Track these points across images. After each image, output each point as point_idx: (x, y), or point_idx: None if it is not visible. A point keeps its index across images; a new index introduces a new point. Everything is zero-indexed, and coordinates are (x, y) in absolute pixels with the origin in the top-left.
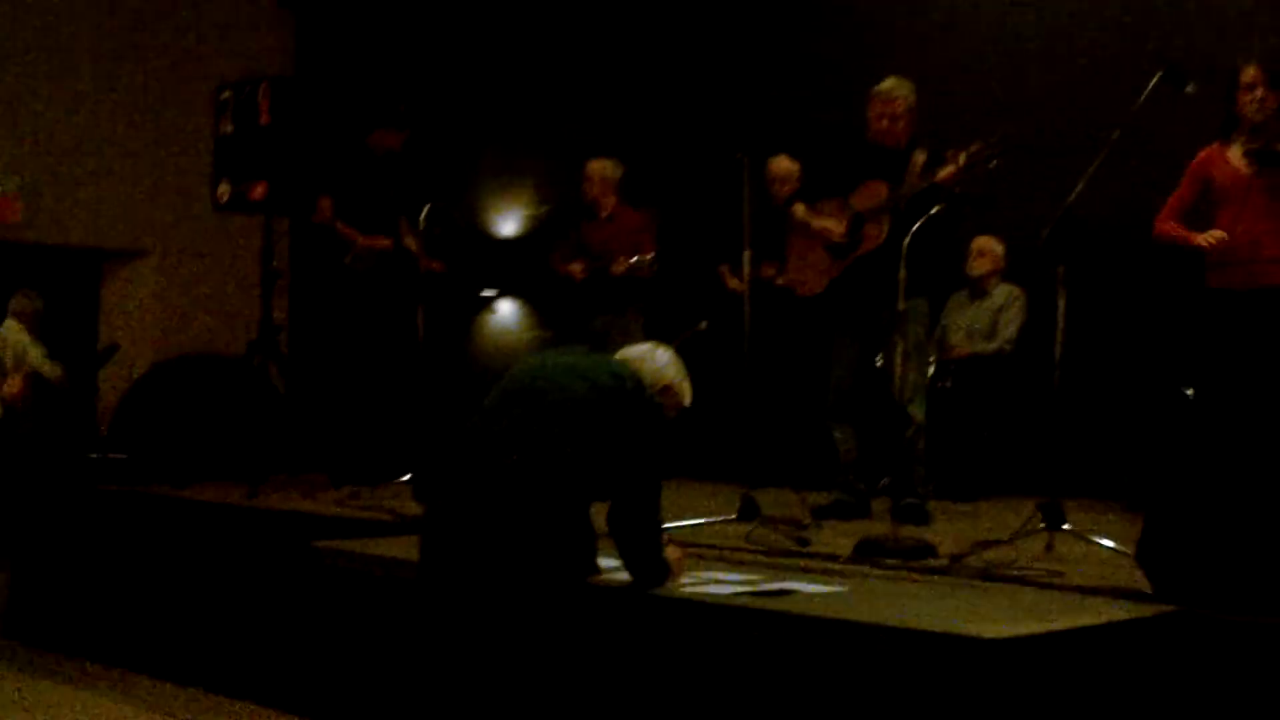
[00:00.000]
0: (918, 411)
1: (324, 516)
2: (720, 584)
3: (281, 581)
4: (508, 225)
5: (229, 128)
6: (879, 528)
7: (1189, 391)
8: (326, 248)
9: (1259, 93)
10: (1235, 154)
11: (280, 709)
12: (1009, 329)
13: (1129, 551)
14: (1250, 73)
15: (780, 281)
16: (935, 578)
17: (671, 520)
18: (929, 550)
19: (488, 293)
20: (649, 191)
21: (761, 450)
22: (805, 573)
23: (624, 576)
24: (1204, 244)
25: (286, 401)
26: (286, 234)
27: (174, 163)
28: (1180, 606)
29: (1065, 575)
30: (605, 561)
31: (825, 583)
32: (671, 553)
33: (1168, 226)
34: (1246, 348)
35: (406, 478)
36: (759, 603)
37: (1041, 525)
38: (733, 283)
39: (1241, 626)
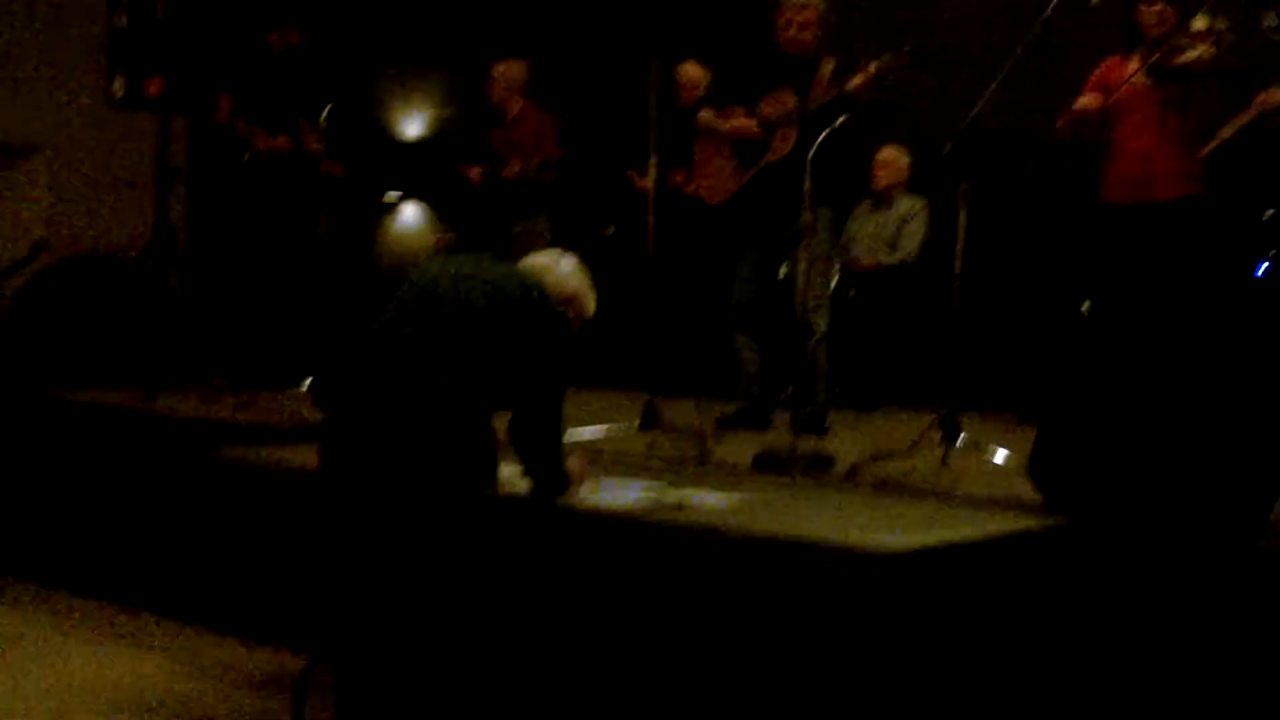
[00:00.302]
0: (820, 322)
1: (222, 422)
2: (621, 494)
3: (180, 488)
4: (411, 127)
5: (123, 20)
6: (779, 438)
7: (1085, 306)
8: (226, 147)
9: (1159, 5)
10: (1134, 67)
11: (179, 619)
12: (912, 241)
13: (1023, 464)
14: None
15: (688, 189)
16: (833, 489)
17: (574, 429)
18: (827, 462)
19: (391, 195)
20: (557, 95)
21: (666, 359)
22: (706, 483)
23: (525, 486)
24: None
25: (183, 304)
26: (185, 132)
27: (66, 56)
28: (1070, 518)
29: (961, 487)
30: (506, 471)
31: (725, 493)
32: (573, 463)
33: (1064, 115)
34: (1140, 262)
35: (306, 384)
36: (658, 513)
37: (938, 437)
38: (641, 186)
39: (1127, 538)
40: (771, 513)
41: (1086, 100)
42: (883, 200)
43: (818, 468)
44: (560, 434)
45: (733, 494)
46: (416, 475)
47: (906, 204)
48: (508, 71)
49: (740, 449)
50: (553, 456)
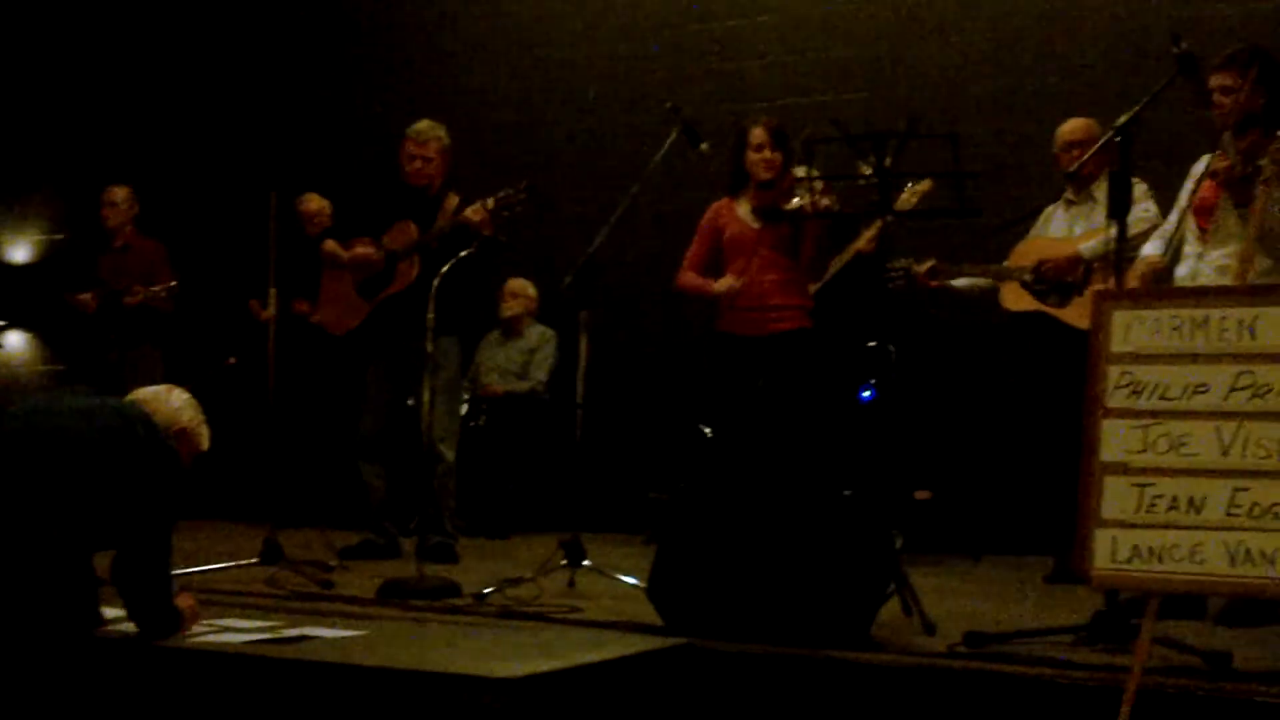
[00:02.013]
0: (448, 451)
1: None
2: (236, 632)
3: None
4: (18, 252)
5: None
6: (407, 568)
7: (705, 431)
8: None
9: (766, 153)
10: (743, 209)
11: None
12: (541, 370)
13: (645, 586)
14: (758, 133)
15: (312, 318)
16: (459, 617)
17: (188, 565)
18: (453, 590)
19: None
20: (172, 222)
21: (288, 490)
22: (328, 617)
23: (130, 627)
24: (720, 290)
25: None
26: None
27: None
28: (688, 638)
29: (584, 611)
30: (110, 612)
31: (347, 627)
32: (183, 601)
33: (687, 279)
34: (755, 390)
35: None
36: (272, 650)
37: (564, 562)
38: (263, 316)
39: (741, 656)
40: (394, 644)
41: (694, 280)
42: (511, 330)
43: (444, 596)
44: (167, 571)
45: (356, 626)
46: (12, 618)
47: (535, 334)
48: (121, 197)
49: (367, 580)
50: (159, 595)
